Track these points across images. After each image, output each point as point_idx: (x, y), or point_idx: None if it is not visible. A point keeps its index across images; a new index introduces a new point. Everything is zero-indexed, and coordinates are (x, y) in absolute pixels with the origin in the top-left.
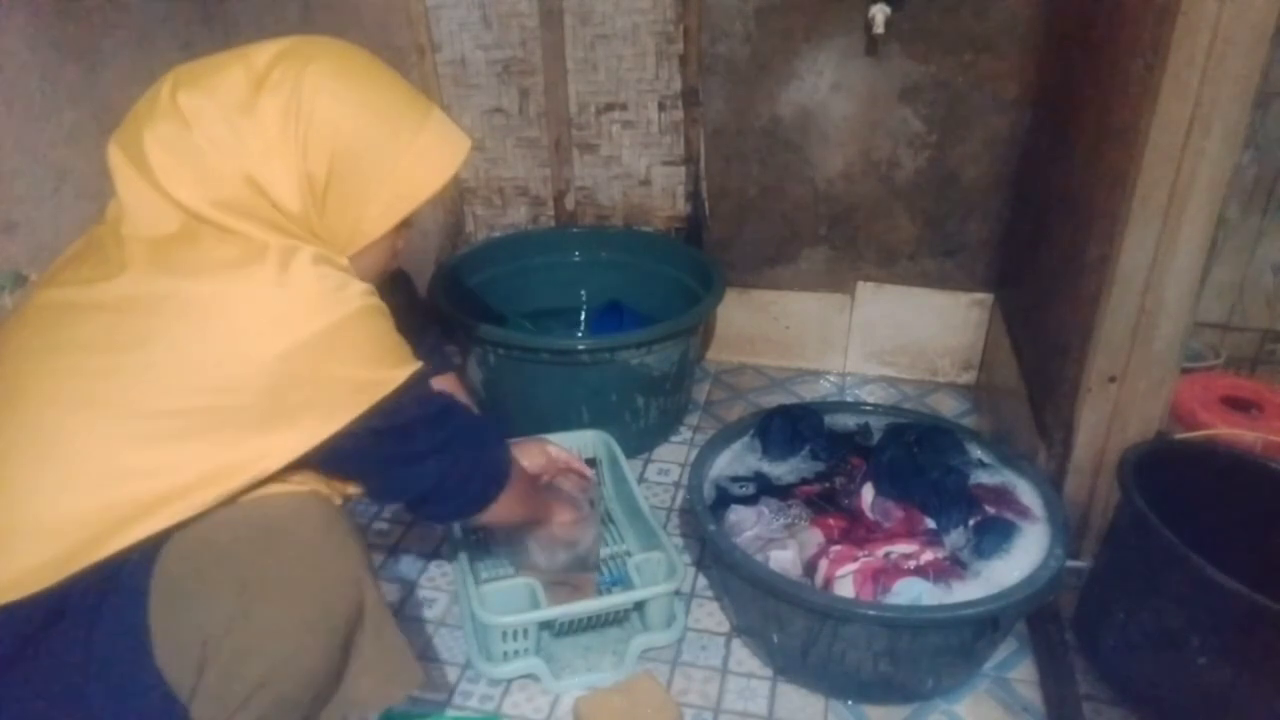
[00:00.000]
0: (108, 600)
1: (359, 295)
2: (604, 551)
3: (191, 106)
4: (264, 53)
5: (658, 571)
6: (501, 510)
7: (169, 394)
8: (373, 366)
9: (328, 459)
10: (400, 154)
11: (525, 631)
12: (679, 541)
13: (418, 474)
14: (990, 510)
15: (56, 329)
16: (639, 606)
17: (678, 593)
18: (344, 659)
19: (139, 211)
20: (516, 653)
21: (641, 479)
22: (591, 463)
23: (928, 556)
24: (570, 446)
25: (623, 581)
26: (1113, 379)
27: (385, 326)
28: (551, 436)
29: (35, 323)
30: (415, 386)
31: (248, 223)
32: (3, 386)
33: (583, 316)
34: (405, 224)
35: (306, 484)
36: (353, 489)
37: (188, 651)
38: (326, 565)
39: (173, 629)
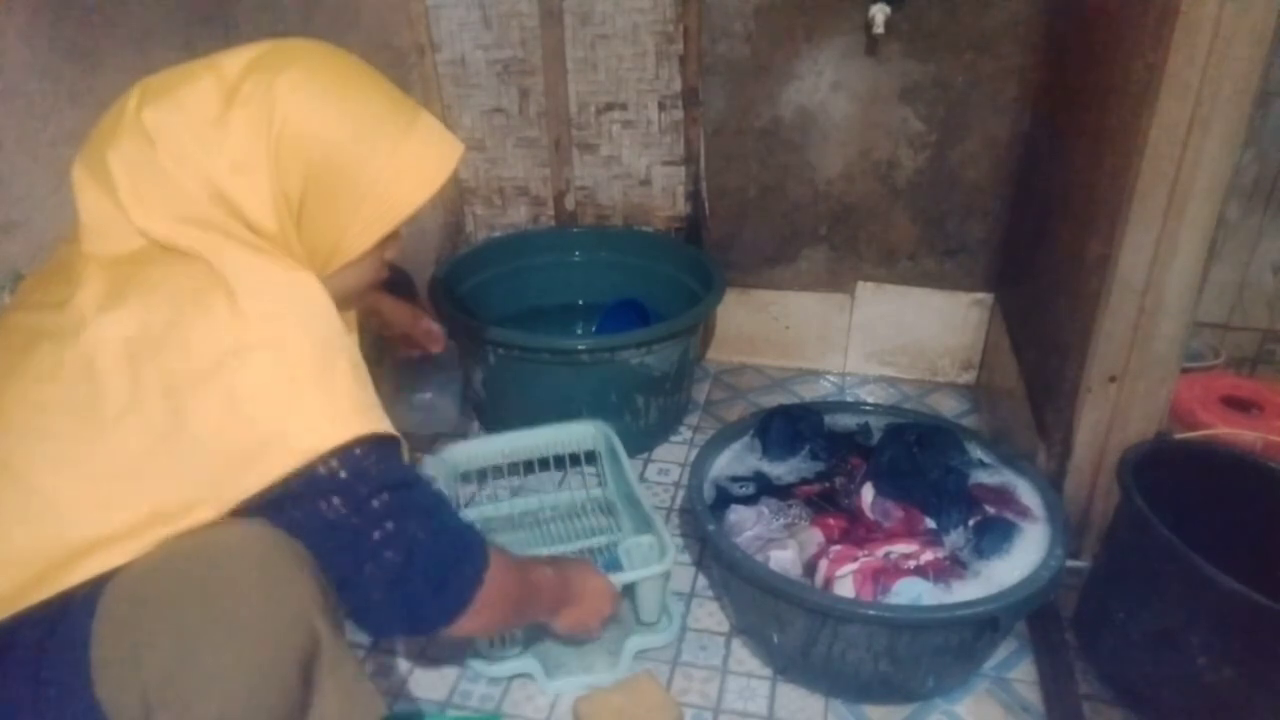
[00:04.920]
0: (53, 638)
1: (340, 334)
2: (599, 540)
3: (157, 123)
4: (235, 61)
5: (649, 556)
6: (482, 621)
7: (115, 436)
8: (338, 405)
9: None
10: (381, 167)
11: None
12: (679, 541)
13: (367, 568)
14: (990, 510)
15: (12, 354)
16: (629, 591)
17: (678, 593)
18: (306, 693)
19: (97, 230)
20: (506, 649)
21: (642, 479)
22: (590, 456)
23: (928, 556)
24: (569, 437)
25: (613, 567)
26: (1113, 379)
27: (348, 373)
28: (548, 428)
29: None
30: (375, 448)
31: (217, 240)
32: None
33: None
34: (392, 237)
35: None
36: None
37: (130, 697)
38: (270, 604)
39: (115, 673)
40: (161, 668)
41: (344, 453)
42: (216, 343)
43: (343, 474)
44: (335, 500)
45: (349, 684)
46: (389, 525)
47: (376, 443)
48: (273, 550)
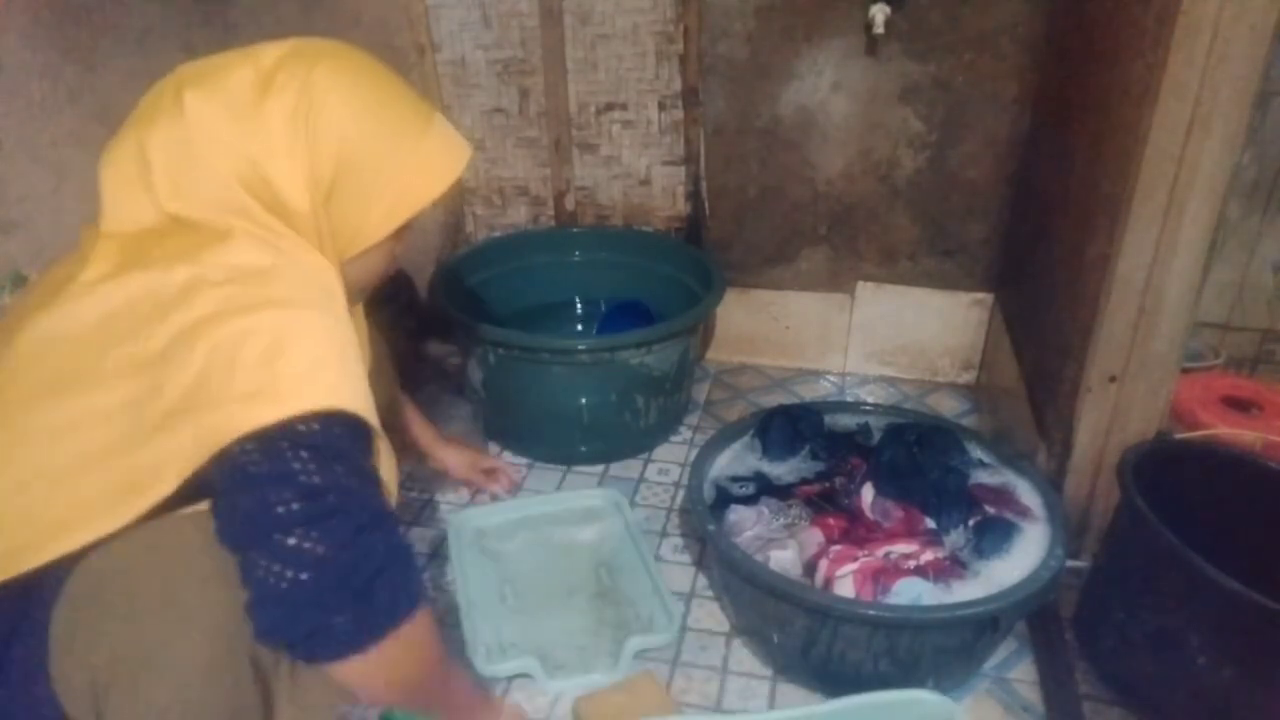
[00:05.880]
0: (24, 620)
1: (348, 328)
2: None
3: (196, 106)
4: (269, 54)
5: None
6: (370, 676)
7: (100, 402)
8: (322, 377)
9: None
10: (404, 159)
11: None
12: (679, 541)
13: (281, 551)
14: (990, 510)
15: (22, 331)
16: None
17: (677, 593)
18: (266, 694)
19: (118, 210)
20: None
21: (642, 479)
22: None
23: (928, 556)
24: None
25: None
26: (1113, 379)
27: (356, 364)
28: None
29: (12, 324)
30: (339, 425)
31: (245, 222)
32: None
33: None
34: (405, 228)
35: None
36: None
37: (81, 679)
38: (223, 595)
39: (68, 655)
40: (112, 649)
41: (323, 417)
42: (225, 301)
43: (316, 434)
44: (303, 454)
45: (305, 686)
46: (331, 499)
47: (353, 424)
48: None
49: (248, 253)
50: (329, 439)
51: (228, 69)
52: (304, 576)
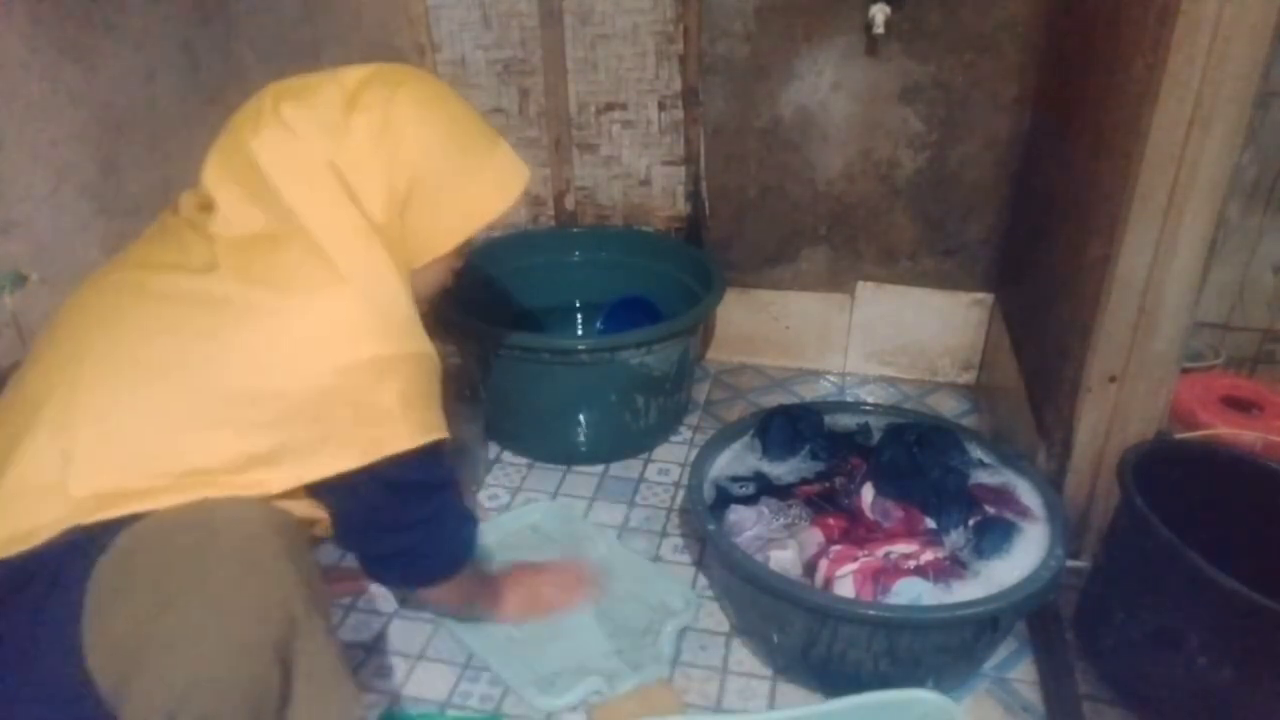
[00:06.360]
0: (61, 580)
1: (425, 341)
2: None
3: (294, 116)
4: (353, 75)
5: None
6: (442, 595)
7: (220, 388)
8: (413, 412)
9: (317, 485)
10: (472, 177)
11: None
12: (679, 541)
13: (390, 538)
14: (990, 510)
15: (126, 307)
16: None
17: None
18: (285, 686)
19: (231, 212)
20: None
21: (642, 479)
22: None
23: (928, 556)
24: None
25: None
26: (1113, 379)
27: (435, 380)
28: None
29: (109, 297)
30: (436, 452)
31: (335, 229)
32: (65, 352)
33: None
34: (465, 245)
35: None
36: (323, 524)
37: (109, 651)
38: (249, 580)
39: (99, 621)
40: (136, 621)
41: (418, 451)
42: (337, 322)
43: (421, 462)
44: (390, 492)
45: (324, 678)
46: (427, 508)
47: (442, 446)
48: (266, 532)
49: (335, 274)
50: (414, 468)
51: (316, 87)
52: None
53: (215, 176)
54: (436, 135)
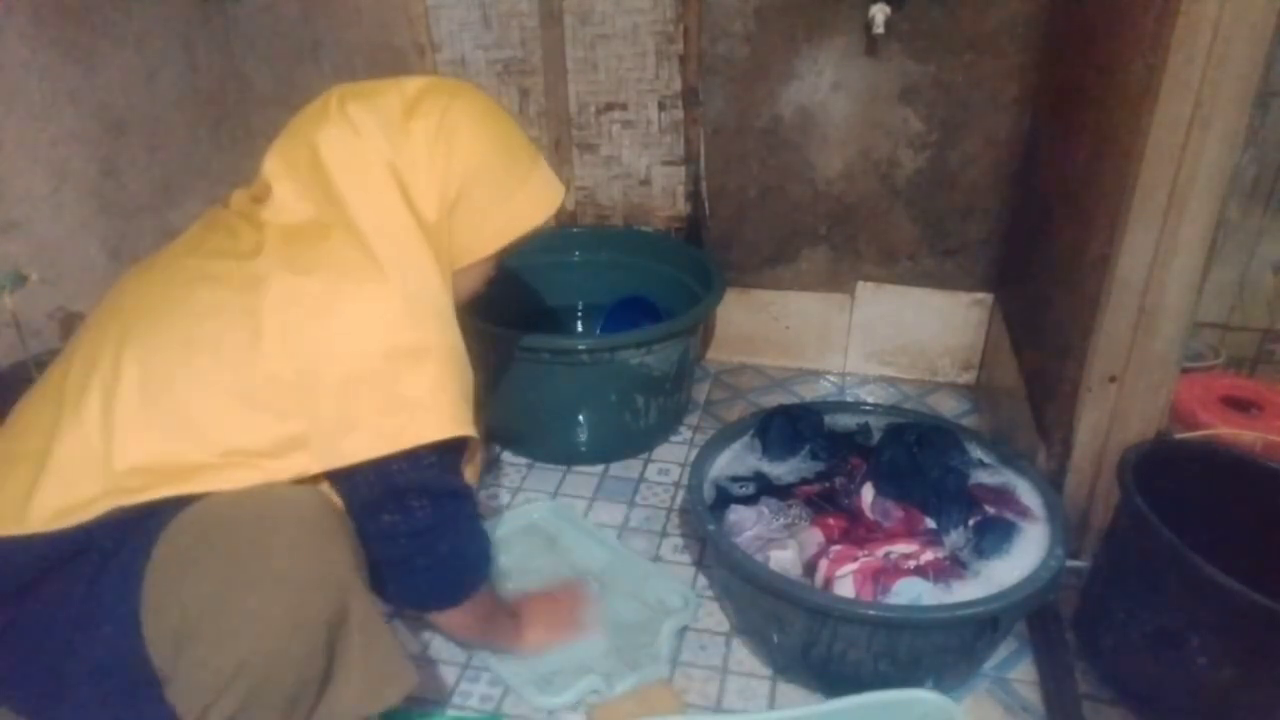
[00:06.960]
0: (122, 548)
1: (459, 338)
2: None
3: (359, 116)
4: (412, 84)
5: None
6: (456, 622)
7: (260, 370)
8: (443, 403)
9: (337, 476)
10: (516, 187)
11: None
12: (679, 541)
13: (387, 541)
14: (990, 510)
15: (174, 288)
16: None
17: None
18: (328, 665)
19: (285, 201)
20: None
21: (642, 479)
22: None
23: (928, 556)
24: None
25: None
26: (1113, 379)
27: (467, 378)
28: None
29: (157, 280)
30: (454, 455)
31: (384, 225)
32: (113, 333)
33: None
34: (502, 253)
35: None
36: None
37: (168, 624)
38: (309, 561)
39: (159, 599)
40: (198, 599)
41: (436, 446)
42: (376, 311)
43: (424, 472)
44: (421, 477)
45: (381, 654)
46: (429, 521)
47: (463, 446)
48: (325, 517)
49: (376, 269)
50: (428, 464)
51: (378, 92)
52: (420, 561)
53: (275, 167)
54: (487, 146)
